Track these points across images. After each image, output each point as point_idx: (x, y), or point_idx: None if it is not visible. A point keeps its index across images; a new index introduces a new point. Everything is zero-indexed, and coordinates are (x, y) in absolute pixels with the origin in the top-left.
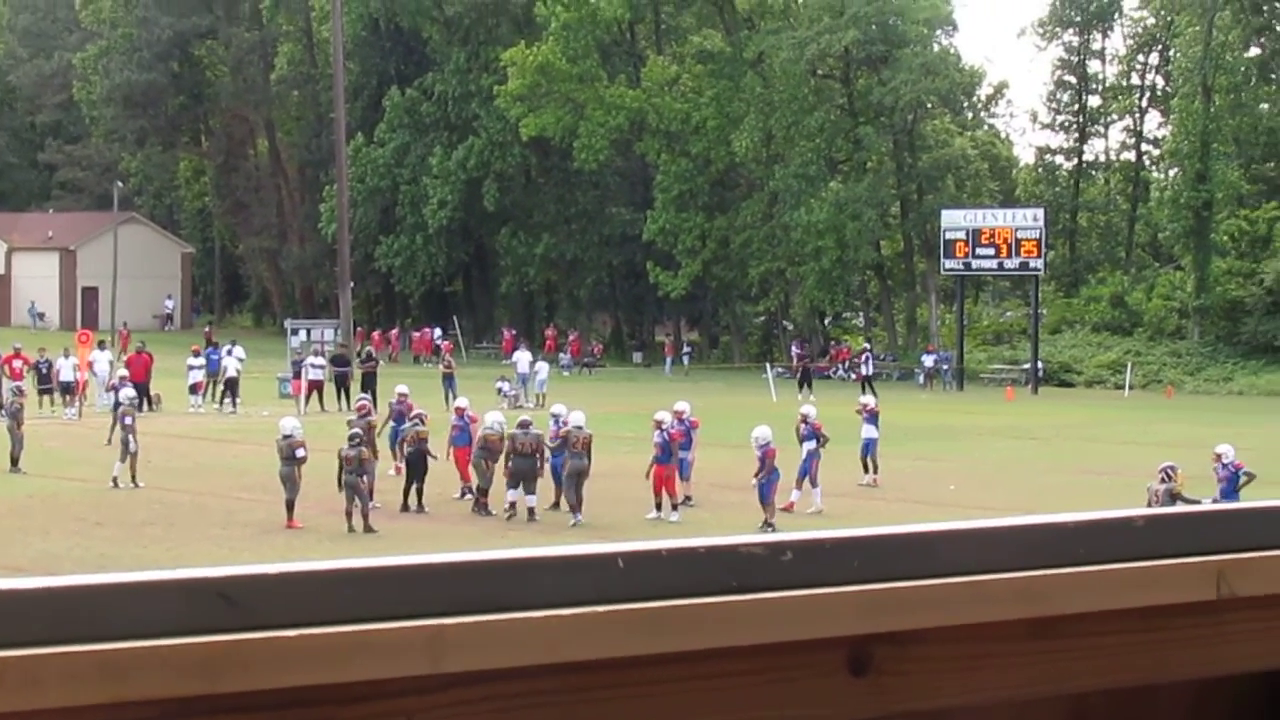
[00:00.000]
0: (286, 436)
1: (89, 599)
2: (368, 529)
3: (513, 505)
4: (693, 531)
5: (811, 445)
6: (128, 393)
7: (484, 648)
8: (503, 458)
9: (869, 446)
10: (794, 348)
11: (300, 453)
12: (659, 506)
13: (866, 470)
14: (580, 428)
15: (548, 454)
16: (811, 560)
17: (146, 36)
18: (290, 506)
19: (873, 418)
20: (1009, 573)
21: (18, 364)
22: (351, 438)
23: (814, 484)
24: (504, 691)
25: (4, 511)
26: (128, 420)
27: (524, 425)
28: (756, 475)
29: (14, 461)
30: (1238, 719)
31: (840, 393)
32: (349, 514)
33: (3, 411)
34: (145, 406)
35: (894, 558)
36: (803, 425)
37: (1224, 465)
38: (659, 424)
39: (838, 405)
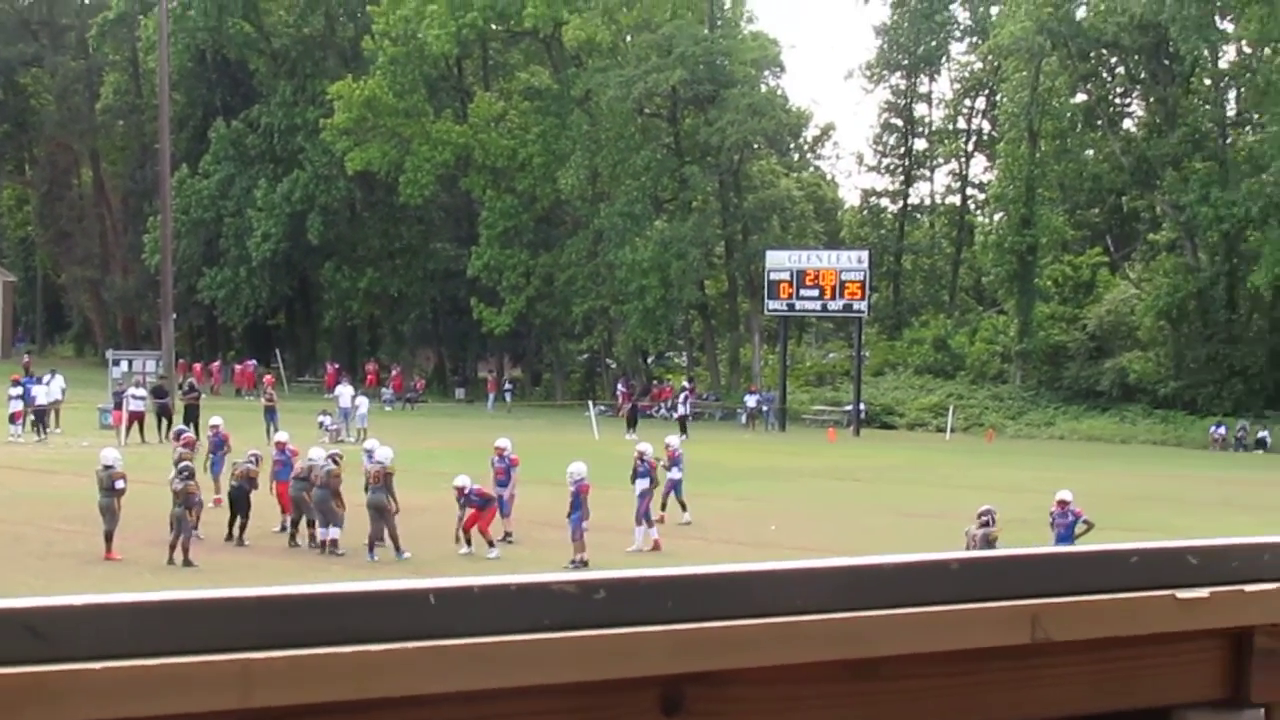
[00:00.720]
0: (107, 467)
1: None
2: (186, 562)
3: (324, 541)
4: (511, 568)
5: (644, 484)
6: None
7: (293, 683)
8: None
9: (676, 488)
10: (620, 386)
11: (120, 484)
12: (468, 543)
13: (664, 508)
14: (380, 463)
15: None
16: (624, 599)
17: None
18: (109, 538)
19: (676, 461)
20: (824, 614)
21: None
22: (181, 470)
23: (641, 522)
24: None
25: None
26: None
27: (330, 458)
28: (569, 513)
29: None
30: None
31: (663, 431)
32: (172, 546)
33: None
34: None
35: (708, 597)
36: (639, 462)
37: (1064, 512)
38: (460, 490)
39: (660, 444)
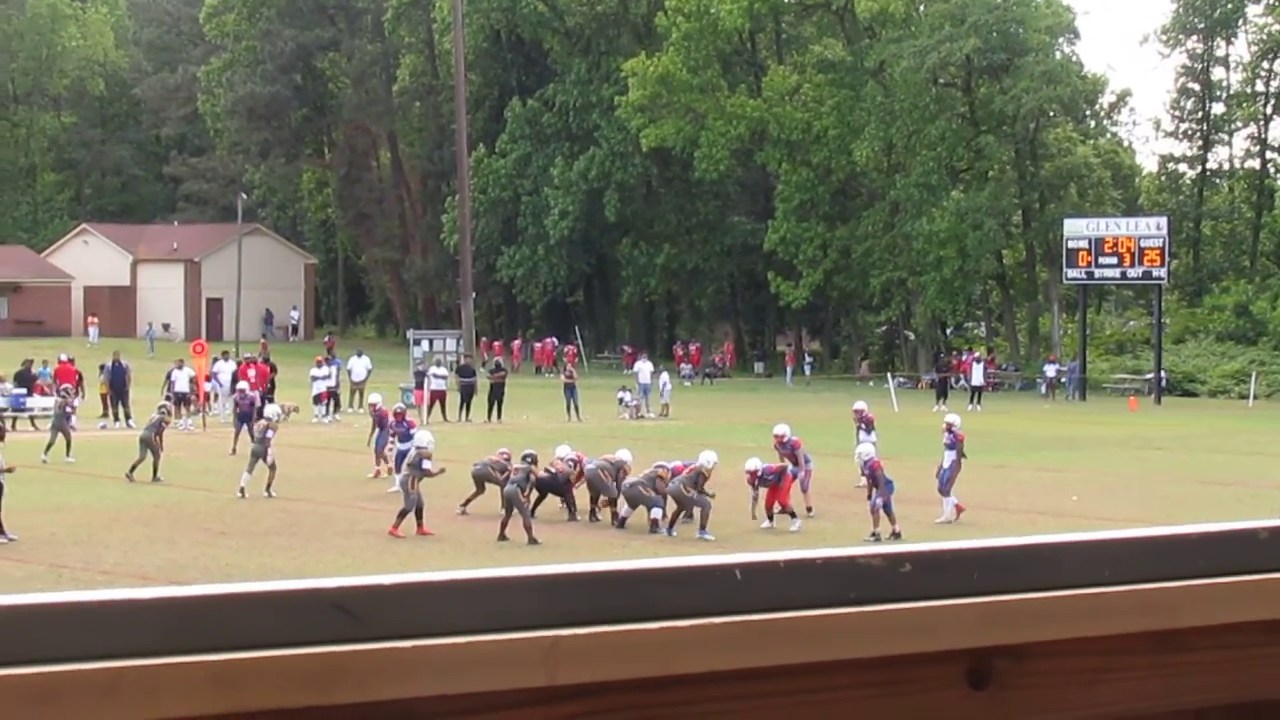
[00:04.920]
0: (418, 447)
1: (204, 609)
2: (532, 540)
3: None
4: (815, 543)
5: (952, 455)
6: (273, 409)
7: (599, 660)
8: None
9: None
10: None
11: (427, 464)
12: (770, 518)
13: None
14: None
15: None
16: (931, 572)
17: (270, 49)
18: (419, 514)
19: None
20: (1131, 584)
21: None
22: (524, 456)
23: (948, 493)
24: (619, 704)
25: (130, 520)
26: (270, 434)
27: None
28: (870, 496)
29: (154, 473)
30: None
31: (962, 402)
32: (504, 524)
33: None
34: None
35: (1014, 569)
36: (947, 434)
37: None
38: (753, 474)
39: (967, 417)
